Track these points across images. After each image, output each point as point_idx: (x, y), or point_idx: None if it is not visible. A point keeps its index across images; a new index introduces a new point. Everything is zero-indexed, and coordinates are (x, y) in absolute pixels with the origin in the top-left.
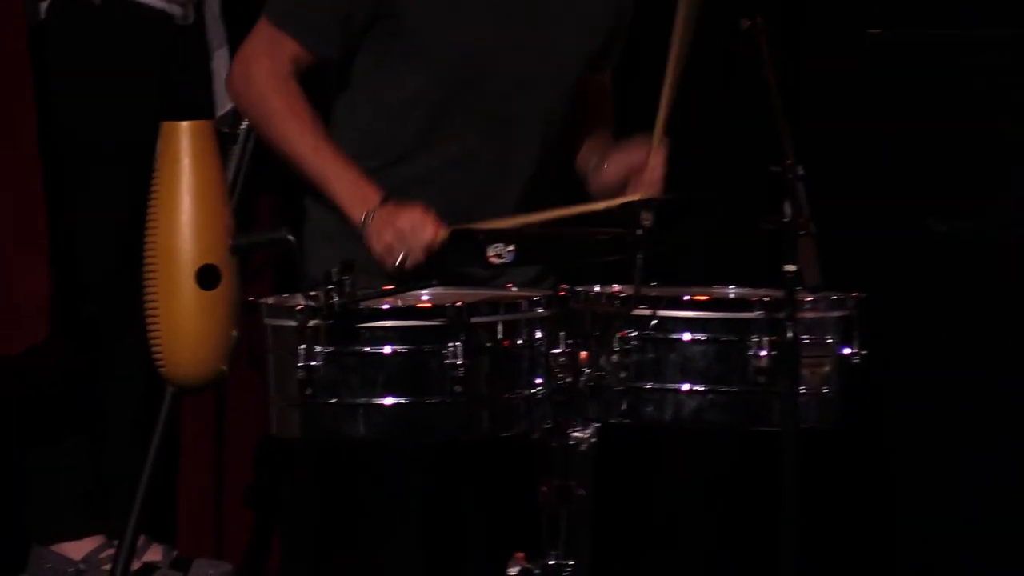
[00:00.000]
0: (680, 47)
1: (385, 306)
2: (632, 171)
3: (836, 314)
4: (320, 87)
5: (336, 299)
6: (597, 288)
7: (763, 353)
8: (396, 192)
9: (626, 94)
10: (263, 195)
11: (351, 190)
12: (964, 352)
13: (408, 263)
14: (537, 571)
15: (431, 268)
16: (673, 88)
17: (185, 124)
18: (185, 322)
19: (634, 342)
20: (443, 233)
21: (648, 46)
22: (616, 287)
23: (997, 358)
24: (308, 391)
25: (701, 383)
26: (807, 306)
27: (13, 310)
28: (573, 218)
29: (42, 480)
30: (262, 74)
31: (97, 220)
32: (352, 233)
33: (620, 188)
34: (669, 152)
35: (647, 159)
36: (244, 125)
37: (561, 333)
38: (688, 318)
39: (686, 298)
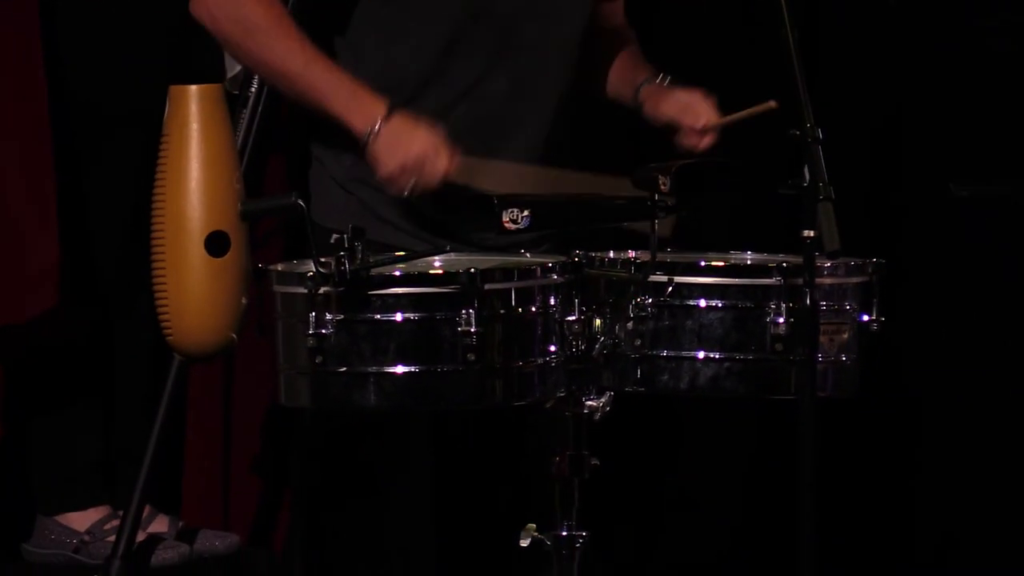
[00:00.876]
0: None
1: (397, 273)
2: (698, 100)
3: (855, 280)
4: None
5: (347, 266)
6: (612, 254)
7: (781, 320)
8: None
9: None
10: (272, 159)
11: (352, 101)
12: (985, 319)
13: (417, 191)
14: (549, 542)
15: (438, 198)
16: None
17: (194, 88)
18: (193, 290)
19: (649, 309)
20: (457, 160)
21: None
22: (631, 253)
23: (1019, 325)
24: (318, 359)
25: (717, 351)
26: (826, 272)
27: (21, 277)
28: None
29: (47, 450)
30: None
31: (107, 186)
32: (362, 180)
33: (684, 110)
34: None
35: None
36: (254, 88)
37: (575, 300)
38: (704, 284)
39: (702, 264)
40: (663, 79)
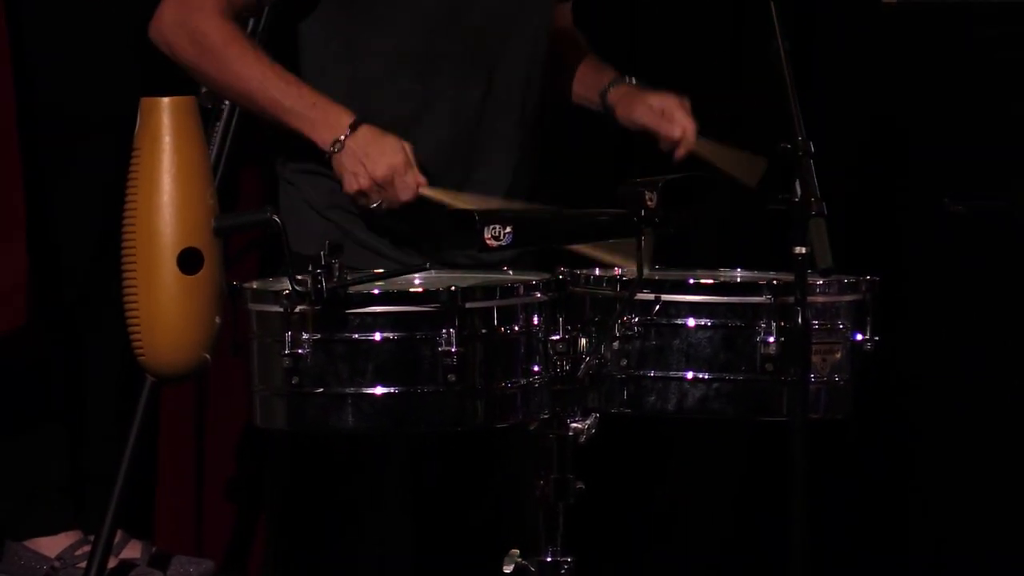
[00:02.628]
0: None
1: (375, 291)
2: (676, 106)
3: (848, 298)
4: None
5: (324, 284)
6: (597, 271)
7: (772, 339)
8: None
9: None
10: (246, 174)
11: (314, 113)
12: (981, 338)
13: (383, 209)
14: (533, 568)
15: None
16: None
17: (166, 100)
18: (166, 308)
19: (636, 328)
20: (423, 181)
21: None
22: (617, 270)
23: (1016, 343)
24: (294, 380)
25: (706, 371)
26: (818, 290)
27: None
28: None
29: (15, 473)
30: (196, 12)
31: (75, 200)
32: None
33: (659, 115)
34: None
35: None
36: (228, 101)
37: (560, 319)
38: (693, 303)
39: (691, 282)
40: (629, 79)
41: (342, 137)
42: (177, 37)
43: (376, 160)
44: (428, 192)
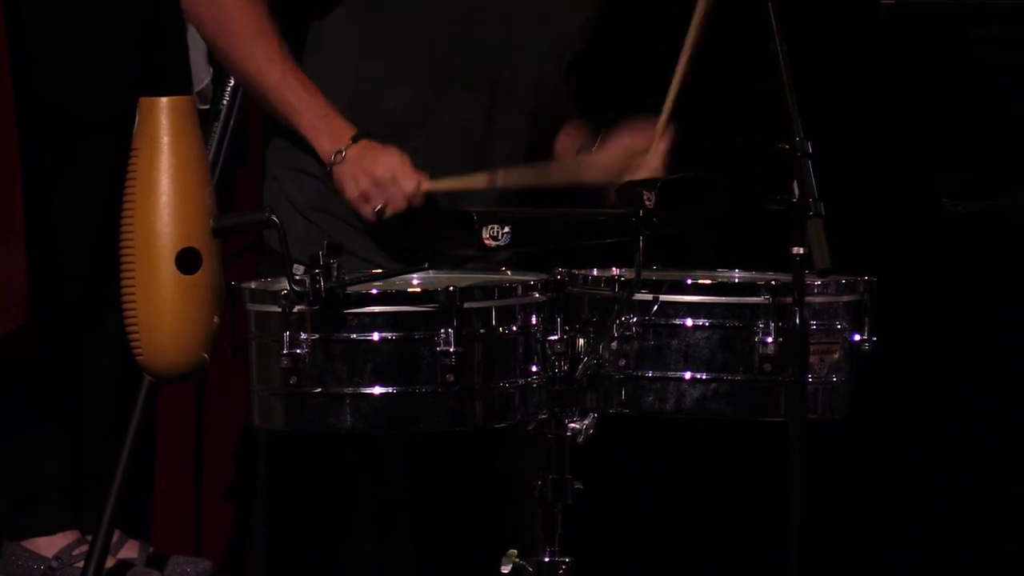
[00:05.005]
0: (696, 30)
1: (374, 291)
2: (634, 154)
3: (846, 299)
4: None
5: (322, 284)
6: (595, 272)
7: (770, 340)
8: None
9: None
10: (243, 174)
11: (321, 122)
12: (979, 338)
13: (387, 213)
14: (531, 568)
15: (409, 221)
16: (683, 73)
17: (164, 100)
18: (164, 308)
19: (634, 328)
20: (425, 183)
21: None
22: (615, 270)
23: (1014, 344)
24: (292, 380)
25: (704, 371)
26: (816, 290)
27: None
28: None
29: (14, 472)
30: None
31: (74, 201)
32: (325, 209)
33: (618, 171)
34: (673, 132)
35: (650, 143)
36: (226, 101)
37: (558, 319)
38: (691, 303)
39: (689, 282)
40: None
41: (343, 148)
42: (208, 13)
43: (375, 160)
44: (431, 185)
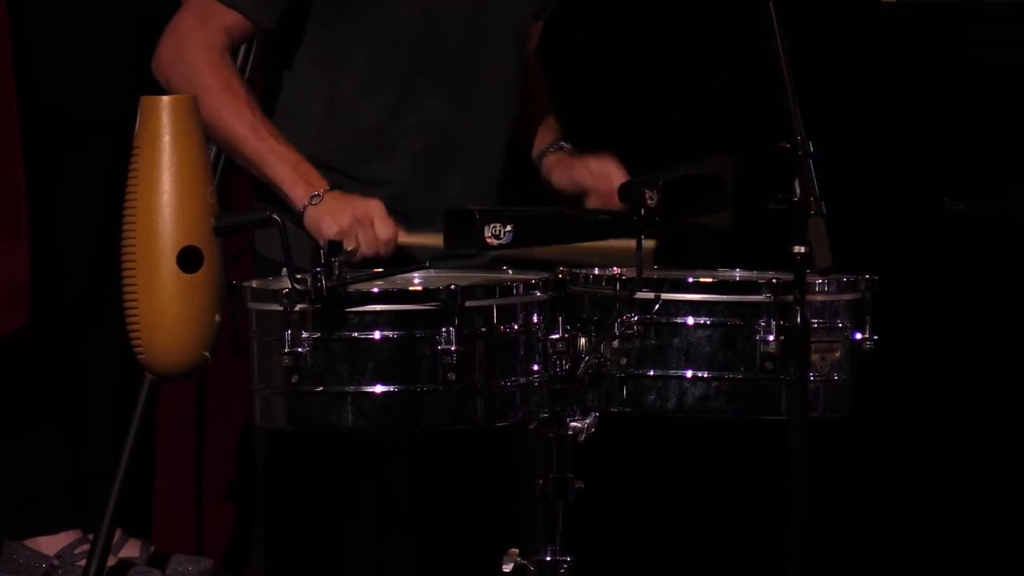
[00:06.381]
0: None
1: (375, 290)
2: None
3: (848, 297)
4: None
5: (324, 282)
6: (596, 271)
7: (771, 338)
8: (358, 165)
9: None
10: (243, 173)
11: (294, 172)
12: (980, 337)
13: (356, 257)
14: (532, 568)
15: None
16: None
17: (166, 99)
18: (166, 307)
19: (636, 327)
20: (402, 235)
21: None
22: (616, 269)
23: (1015, 343)
24: (294, 379)
25: (706, 370)
26: (817, 289)
27: None
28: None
29: (15, 472)
30: (195, 48)
31: (75, 200)
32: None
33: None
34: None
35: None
36: None
37: (559, 318)
38: (692, 301)
39: (690, 280)
40: (566, 145)
41: (319, 192)
42: (174, 75)
43: (355, 201)
44: (405, 239)
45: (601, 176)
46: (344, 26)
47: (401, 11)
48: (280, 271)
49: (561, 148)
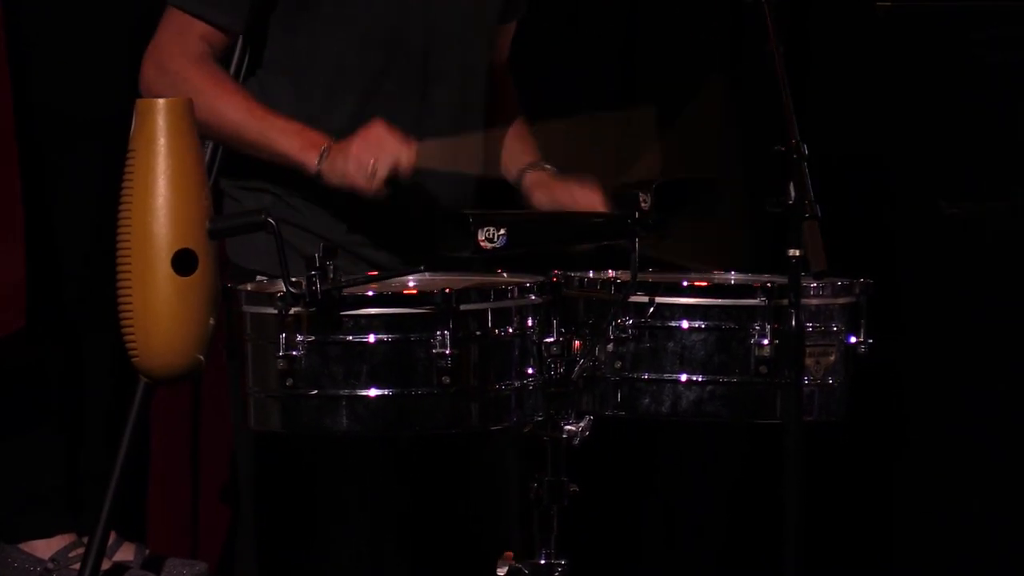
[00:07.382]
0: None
1: (370, 293)
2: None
3: (842, 301)
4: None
5: (318, 285)
6: (591, 274)
7: (766, 342)
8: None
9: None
10: None
11: (299, 139)
12: (975, 340)
13: (380, 173)
14: (527, 571)
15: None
16: None
17: (161, 101)
18: (160, 310)
19: (630, 330)
20: (414, 148)
21: None
22: (611, 273)
23: (1010, 346)
24: (288, 382)
25: (700, 374)
26: (812, 292)
27: None
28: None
29: (11, 475)
30: (176, 57)
31: (71, 202)
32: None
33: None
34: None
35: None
36: None
37: (554, 321)
38: (687, 305)
39: (685, 284)
40: (546, 165)
41: (323, 148)
42: (160, 87)
43: (360, 137)
44: (421, 149)
45: (585, 206)
46: (306, 31)
47: (362, 14)
48: (254, 279)
49: (544, 169)
